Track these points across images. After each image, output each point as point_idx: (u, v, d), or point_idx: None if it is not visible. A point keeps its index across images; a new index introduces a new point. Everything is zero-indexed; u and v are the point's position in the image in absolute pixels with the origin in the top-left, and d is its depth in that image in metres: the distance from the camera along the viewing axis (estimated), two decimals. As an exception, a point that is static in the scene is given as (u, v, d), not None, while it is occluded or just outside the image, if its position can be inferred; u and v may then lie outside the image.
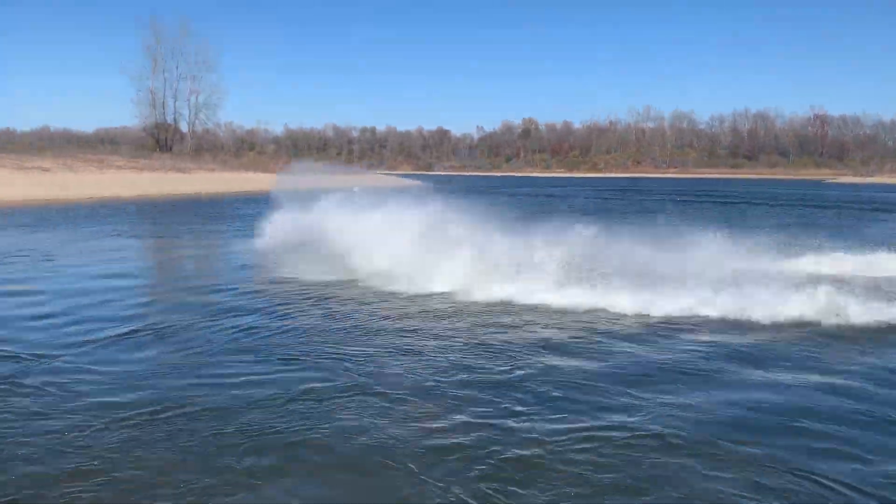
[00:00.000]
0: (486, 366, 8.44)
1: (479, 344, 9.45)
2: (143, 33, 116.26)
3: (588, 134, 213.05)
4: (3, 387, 7.36)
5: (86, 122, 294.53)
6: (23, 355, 8.53)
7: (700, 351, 9.26)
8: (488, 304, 11.95)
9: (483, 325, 10.54)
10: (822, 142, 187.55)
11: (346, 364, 8.39)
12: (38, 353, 8.64)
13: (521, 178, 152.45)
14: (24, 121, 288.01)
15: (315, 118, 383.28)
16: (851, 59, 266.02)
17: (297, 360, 8.56)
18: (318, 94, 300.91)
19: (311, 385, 7.57)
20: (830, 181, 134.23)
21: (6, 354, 8.57)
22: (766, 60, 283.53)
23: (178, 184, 56.05)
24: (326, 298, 12.40)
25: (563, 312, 11.40)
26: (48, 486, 5.25)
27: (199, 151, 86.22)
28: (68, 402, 6.94)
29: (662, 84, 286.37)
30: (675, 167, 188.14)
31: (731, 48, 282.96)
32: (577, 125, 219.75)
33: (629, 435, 6.33)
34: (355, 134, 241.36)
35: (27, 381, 7.55)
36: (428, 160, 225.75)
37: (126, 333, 9.68)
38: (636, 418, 6.75)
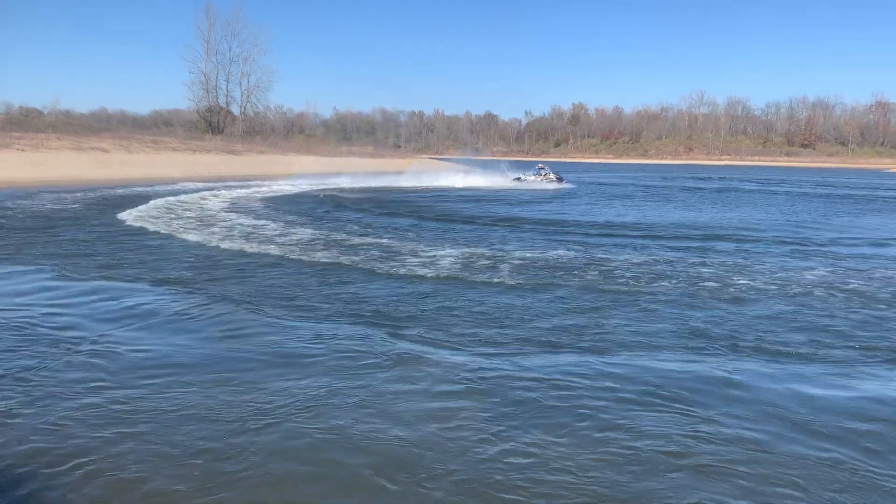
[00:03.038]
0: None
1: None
2: (198, 17, 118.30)
3: (639, 120, 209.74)
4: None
5: (141, 104, 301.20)
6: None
7: None
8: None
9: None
10: (883, 130, 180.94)
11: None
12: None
13: (573, 163, 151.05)
14: (83, 102, 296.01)
15: (363, 102, 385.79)
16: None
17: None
18: (366, 78, 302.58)
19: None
20: (891, 171, 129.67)
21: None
22: (825, 45, 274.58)
23: (230, 165, 57.19)
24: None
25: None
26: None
27: (250, 134, 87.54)
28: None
29: (717, 69, 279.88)
30: (729, 155, 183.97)
31: (789, 31, 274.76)
32: (627, 111, 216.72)
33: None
34: (403, 118, 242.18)
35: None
36: (475, 145, 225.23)
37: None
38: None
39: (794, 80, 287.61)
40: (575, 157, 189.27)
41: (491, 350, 8.46)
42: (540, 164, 58.11)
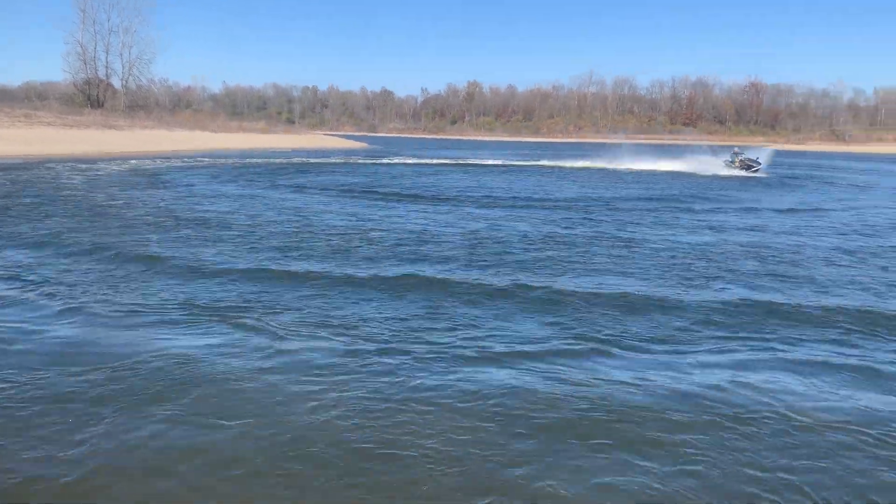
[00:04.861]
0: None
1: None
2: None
3: (532, 98, 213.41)
4: None
5: (12, 75, 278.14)
6: None
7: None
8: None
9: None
10: (756, 109, 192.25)
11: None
12: None
13: (467, 141, 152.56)
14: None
15: (255, 77, 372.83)
16: (788, 27, 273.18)
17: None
18: (257, 52, 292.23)
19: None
20: (765, 147, 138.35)
21: None
22: (708, 25, 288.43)
23: (110, 141, 53.73)
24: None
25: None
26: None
27: (133, 108, 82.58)
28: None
29: (606, 49, 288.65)
30: (616, 133, 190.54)
31: (671, 13, 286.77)
32: (521, 89, 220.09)
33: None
34: (296, 94, 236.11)
35: None
36: (371, 122, 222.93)
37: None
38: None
39: (678, 59, 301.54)
40: (471, 135, 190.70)
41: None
42: (735, 149, 48.95)
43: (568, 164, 53.31)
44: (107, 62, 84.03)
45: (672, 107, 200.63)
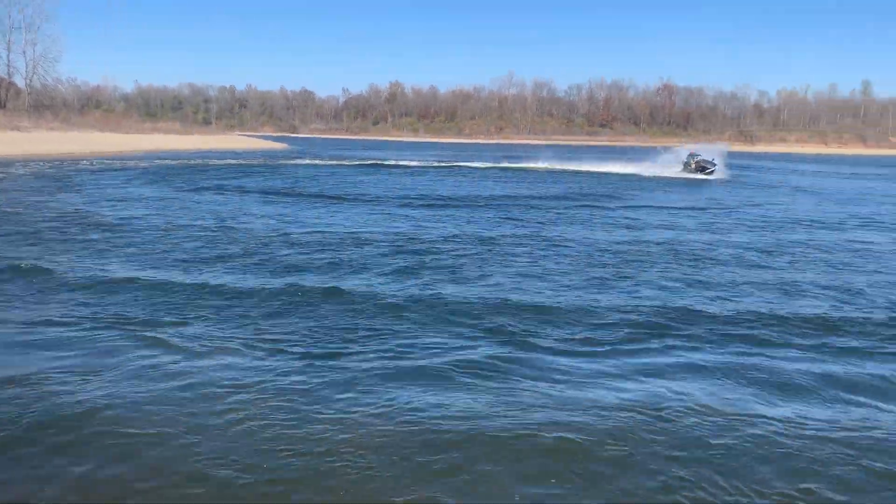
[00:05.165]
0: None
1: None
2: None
3: (454, 99, 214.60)
4: None
5: None
6: None
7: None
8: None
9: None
10: (669, 111, 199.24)
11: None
12: None
13: (390, 142, 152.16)
14: None
15: (169, 76, 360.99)
16: (700, 31, 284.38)
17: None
18: (172, 51, 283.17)
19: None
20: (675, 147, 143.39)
21: None
22: (619, 33, 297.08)
23: (13, 143, 50.96)
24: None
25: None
26: None
27: (39, 108, 78.58)
28: None
29: (526, 52, 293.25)
30: (536, 134, 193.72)
31: (584, 15, 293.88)
32: (442, 91, 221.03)
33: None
34: (213, 93, 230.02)
35: None
36: (292, 122, 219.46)
37: None
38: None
39: (594, 63, 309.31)
40: (394, 136, 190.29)
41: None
42: (692, 151, 48.57)
43: (530, 165, 55.49)
44: (9, 60, 79.77)
45: (590, 108, 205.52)
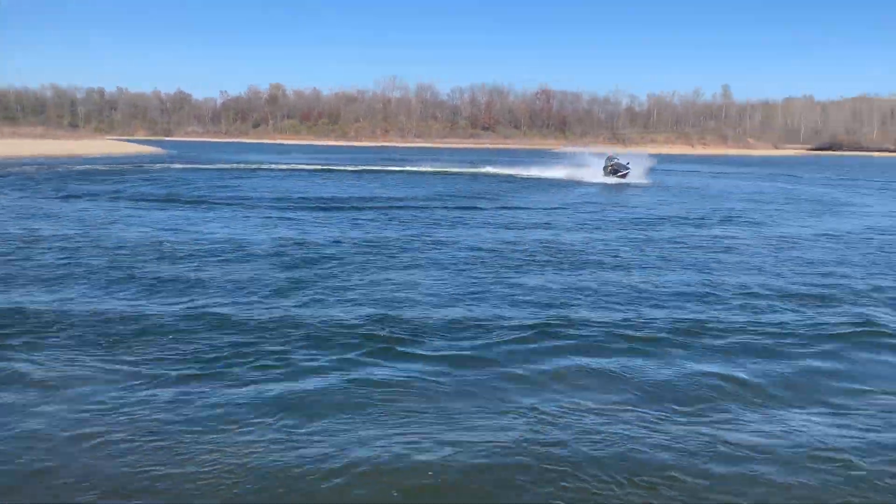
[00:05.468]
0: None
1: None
2: None
3: (337, 102, 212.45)
4: None
5: None
6: None
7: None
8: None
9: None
10: (548, 114, 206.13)
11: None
12: None
13: (271, 145, 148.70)
14: None
15: (31, 77, 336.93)
16: (576, 36, 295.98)
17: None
18: (32, 50, 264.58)
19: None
20: (556, 150, 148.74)
21: None
22: (501, 38, 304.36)
23: None
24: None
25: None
26: None
27: None
28: None
29: (410, 55, 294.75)
30: (421, 137, 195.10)
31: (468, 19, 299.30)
32: (325, 93, 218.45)
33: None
34: (80, 95, 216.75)
35: None
36: (166, 125, 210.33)
37: None
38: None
39: (475, 69, 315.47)
40: (275, 139, 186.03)
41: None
42: (609, 154, 48.03)
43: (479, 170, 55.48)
44: None
45: (472, 111, 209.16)
